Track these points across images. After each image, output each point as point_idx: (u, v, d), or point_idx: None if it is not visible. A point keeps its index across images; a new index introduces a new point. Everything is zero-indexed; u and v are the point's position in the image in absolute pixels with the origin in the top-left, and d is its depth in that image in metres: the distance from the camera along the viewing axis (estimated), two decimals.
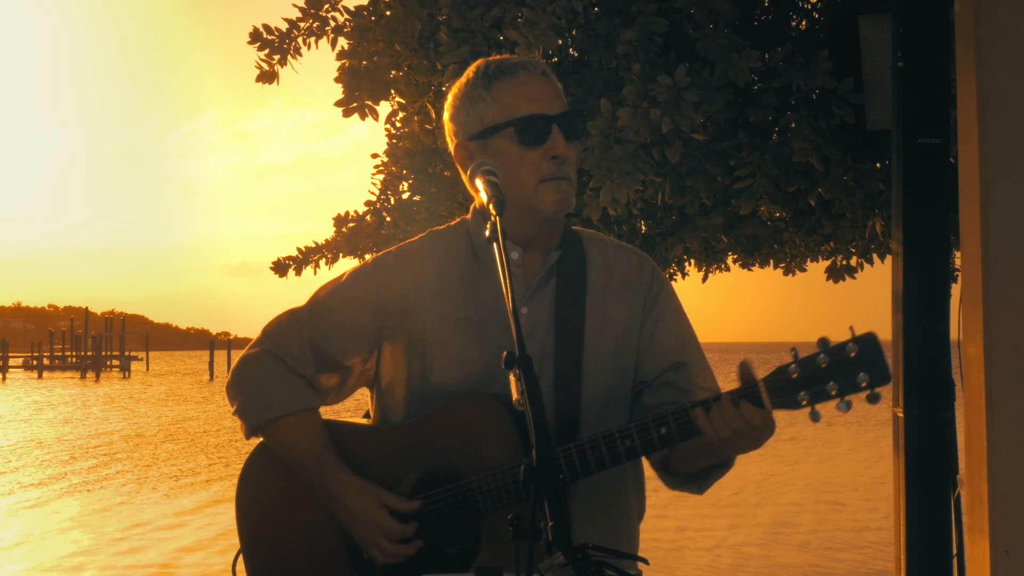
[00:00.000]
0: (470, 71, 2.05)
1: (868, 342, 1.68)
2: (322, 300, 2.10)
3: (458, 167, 2.08)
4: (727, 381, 1.89)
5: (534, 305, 2.02)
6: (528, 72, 1.99)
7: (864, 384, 1.66)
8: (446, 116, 2.09)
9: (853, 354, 1.67)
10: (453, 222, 2.17)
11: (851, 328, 1.69)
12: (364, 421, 2.20)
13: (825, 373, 1.69)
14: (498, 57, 2.06)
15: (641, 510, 2.15)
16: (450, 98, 2.07)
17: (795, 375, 1.71)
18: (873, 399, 1.66)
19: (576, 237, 2.11)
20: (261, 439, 2.10)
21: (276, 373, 2.05)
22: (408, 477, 1.99)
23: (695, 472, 2.00)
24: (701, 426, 1.77)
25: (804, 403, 1.70)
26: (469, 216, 2.12)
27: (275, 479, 2.08)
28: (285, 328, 2.09)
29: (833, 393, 1.68)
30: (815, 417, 1.69)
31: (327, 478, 2.01)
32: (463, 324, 2.02)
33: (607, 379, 2.03)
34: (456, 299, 2.04)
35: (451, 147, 2.08)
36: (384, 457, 2.02)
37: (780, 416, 1.77)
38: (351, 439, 2.07)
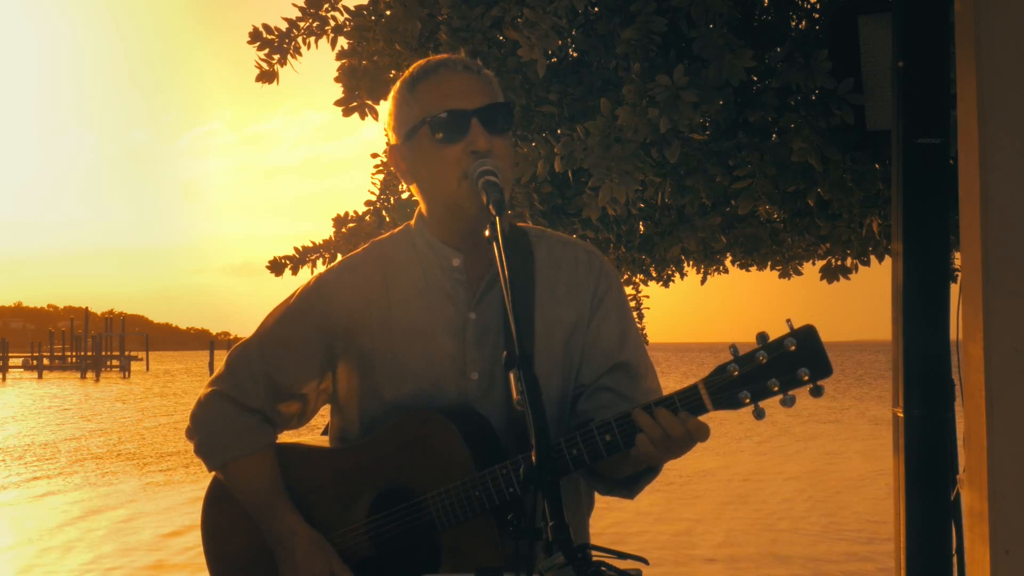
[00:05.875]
0: (403, 76, 2.04)
1: (807, 335, 1.64)
2: (269, 330, 2.09)
3: (396, 172, 2.07)
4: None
5: (482, 311, 1.98)
6: (448, 69, 1.97)
7: (806, 378, 1.63)
8: (385, 123, 2.09)
9: (793, 348, 1.63)
10: (396, 230, 2.14)
11: (788, 321, 1.65)
12: (323, 440, 2.19)
13: (765, 370, 1.65)
14: (427, 59, 2.04)
15: (591, 504, 2.13)
16: (387, 105, 2.07)
17: (735, 373, 1.67)
18: (816, 392, 1.63)
19: (522, 235, 2.06)
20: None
21: (228, 415, 2.06)
22: (364, 498, 1.98)
23: (625, 478, 1.92)
24: (645, 428, 1.70)
25: (747, 401, 1.66)
26: (412, 223, 2.09)
27: (237, 505, 2.09)
28: (236, 365, 2.09)
29: (775, 389, 1.64)
30: (759, 415, 1.65)
31: (276, 524, 2.01)
32: (411, 335, 1.99)
33: (558, 381, 1.98)
34: (403, 309, 2.00)
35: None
36: (339, 479, 2.01)
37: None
38: (306, 462, 2.07)
